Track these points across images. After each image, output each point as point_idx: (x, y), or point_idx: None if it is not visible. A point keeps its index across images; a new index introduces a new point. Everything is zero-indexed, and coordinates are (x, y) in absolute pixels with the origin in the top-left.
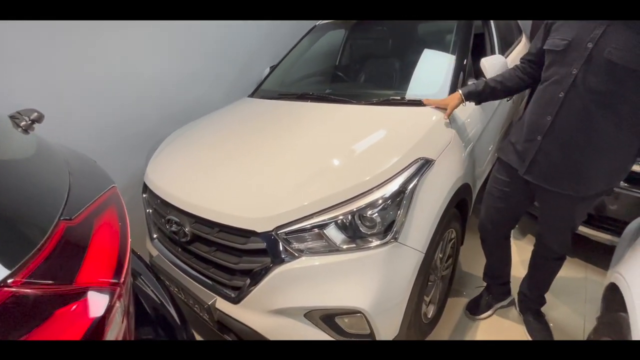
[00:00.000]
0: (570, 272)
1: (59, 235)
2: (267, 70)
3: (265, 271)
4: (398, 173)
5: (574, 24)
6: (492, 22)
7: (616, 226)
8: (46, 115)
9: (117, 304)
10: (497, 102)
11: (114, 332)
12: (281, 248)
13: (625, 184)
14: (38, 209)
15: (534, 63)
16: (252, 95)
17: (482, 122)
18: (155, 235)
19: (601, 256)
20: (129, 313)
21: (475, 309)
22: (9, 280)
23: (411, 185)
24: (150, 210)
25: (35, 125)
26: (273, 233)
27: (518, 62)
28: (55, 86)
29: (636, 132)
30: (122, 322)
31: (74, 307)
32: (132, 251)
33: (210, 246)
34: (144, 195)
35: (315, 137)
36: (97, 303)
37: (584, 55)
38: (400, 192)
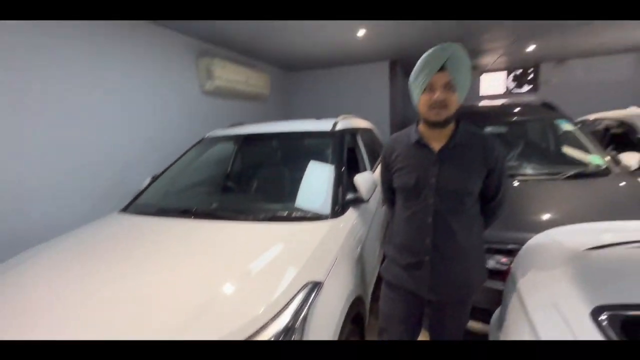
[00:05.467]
0: None
1: None
2: (148, 180)
3: None
4: (287, 304)
5: (412, 166)
6: (359, 138)
7: (486, 315)
8: None
9: None
10: (373, 208)
11: None
12: None
13: None
14: None
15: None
16: (125, 209)
17: (364, 229)
18: None
19: None
20: None
21: None
22: None
23: (302, 316)
24: None
25: None
26: None
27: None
28: None
29: (480, 235)
30: None
31: None
32: None
33: None
34: None
35: (196, 267)
36: None
37: (433, 188)
38: (291, 325)
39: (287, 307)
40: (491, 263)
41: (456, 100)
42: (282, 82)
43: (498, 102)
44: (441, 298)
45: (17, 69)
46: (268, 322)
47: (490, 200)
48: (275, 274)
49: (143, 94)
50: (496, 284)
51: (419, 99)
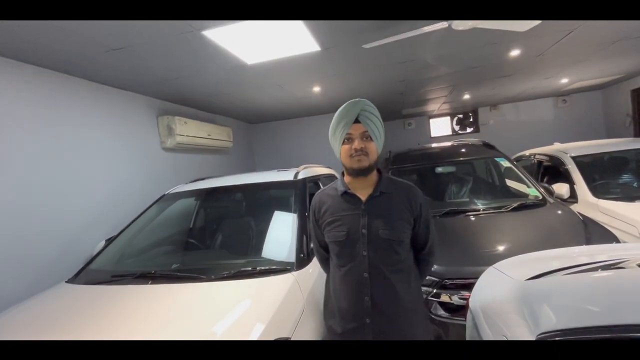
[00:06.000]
0: None
1: None
2: (102, 244)
3: None
4: None
5: (342, 218)
6: (321, 184)
7: None
8: None
9: None
10: None
11: None
12: None
13: (447, 314)
14: None
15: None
16: (73, 279)
17: None
18: None
19: None
20: None
21: None
22: None
23: None
24: None
25: None
26: None
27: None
28: None
29: (418, 288)
30: None
31: None
32: None
33: None
34: None
35: (154, 337)
36: None
37: (365, 239)
38: None
39: None
40: (455, 299)
41: (375, 149)
42: (245, 134)
43: (447, 143)
44: None
45: None
46: None
47: (422, 249)
48: (241, 333)
49: (101, 154)
50: (463, 320)
51: (340, 150)
